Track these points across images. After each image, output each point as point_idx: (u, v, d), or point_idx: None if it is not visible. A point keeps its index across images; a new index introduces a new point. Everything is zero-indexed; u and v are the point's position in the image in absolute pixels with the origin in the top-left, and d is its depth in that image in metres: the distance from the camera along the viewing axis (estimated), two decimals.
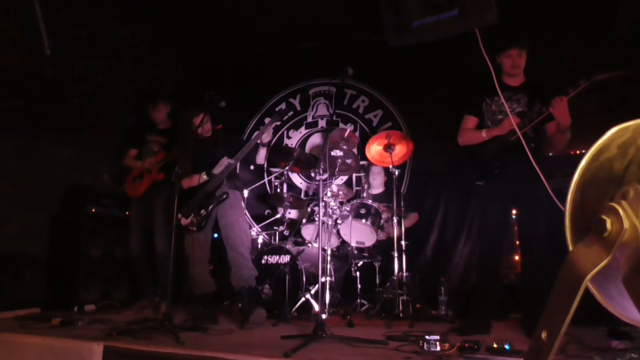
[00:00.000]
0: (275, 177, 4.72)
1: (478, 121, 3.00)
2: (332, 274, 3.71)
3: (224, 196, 3.18)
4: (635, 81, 2.54)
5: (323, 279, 2.95)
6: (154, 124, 4.13)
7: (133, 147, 4.10)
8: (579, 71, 2.54)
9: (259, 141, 3.34)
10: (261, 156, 3.46)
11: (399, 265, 3.70)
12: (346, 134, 4.47)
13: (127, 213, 4.28)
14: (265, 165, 5.20)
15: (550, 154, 3.68)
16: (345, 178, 4.95)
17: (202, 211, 3.20)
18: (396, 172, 3.94)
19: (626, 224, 0.78)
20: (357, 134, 4.97)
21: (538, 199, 2.70)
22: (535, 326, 0.90)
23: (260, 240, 4.45)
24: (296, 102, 5.49)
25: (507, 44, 2.83)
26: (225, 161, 3.24)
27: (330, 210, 3.94)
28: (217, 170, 3.24)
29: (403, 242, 3.76)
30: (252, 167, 5.32)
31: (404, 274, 3.67)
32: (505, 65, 2.87)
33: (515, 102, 2.85)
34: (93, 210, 4.11)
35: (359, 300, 3.96)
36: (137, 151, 4.09)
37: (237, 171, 3.52)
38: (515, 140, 2.66)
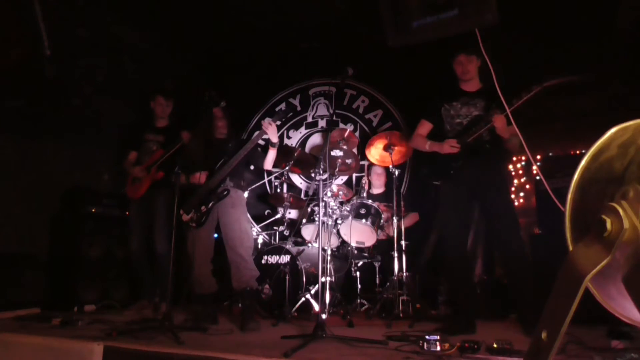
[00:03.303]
0: (275, 177, 4.72)
1: (432, 127, 3.16)
2: (332, 274, 3.71)
3: (225, 192, 3.17)
4: (635, 82, 2.56)
5: (323, 279, 2.95)
6: (152, 122, 4.12)
7: (132, 149, 4.08)
8: (577, 70, 2.56)
9: (263, 143, 3.30)
10: (269, 160, 3.33)
11: (399, 265, 3.70)
12: (346, 134, 4.47)
13: (127, 213, 4.27)
14: None
15: (550, 154, 3.70)
16: (345, 178, 4.95)
17: (202, 207, 3.19)
18: (396, 172, 3.95)
19: (626, 223, 0.78)
20: (357, 134, 4.97)
21: (500, 197, 2.84)
22: (529, 324, 0.90)
23: (260, 240, 4.45)
24: (296, 102, 5.49)
25: (455, 51, 2.98)
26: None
27: (330, 210, 3.94)
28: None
29: (403, 242, 3.76)
30: (252, 167, 5.32)
31: (404, 274, 3.66)
32: (457, 71, 3.02)
33: (472, 107, 2.98)
34: (93, 210, 4.11)
35: (359, 300, 3.96)
36: (137, 153, 4.06)
37: (242, 170, 3.46)
38: (472, 141, 2.84)
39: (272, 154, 3.32)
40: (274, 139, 3.22)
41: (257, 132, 3.25)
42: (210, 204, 3.18)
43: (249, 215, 4.02)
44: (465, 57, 2.95)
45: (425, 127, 3.18)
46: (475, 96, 2.98)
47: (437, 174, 3.05)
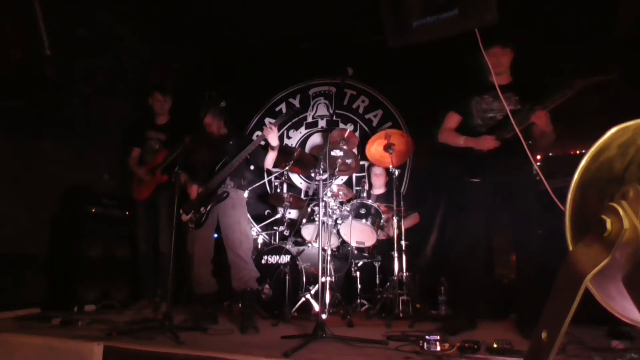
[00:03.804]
0: (275, 177, 4.72)
1: (461, 120, 3.03)
2: (332, 274, 3.71)
3: (224, 195, 3.17)
4: (635, 82, 2.55)
5: (323, 279, 2.95)
6: (152, 120, 4.13)
7: (136, 146, 4.12)
8: (577, 72, 2.55)
9: (263, 143, 3.30)
10: (269, 160, 3.34)
11: (399, 265, 3.70)
12: (346, 134, 4.47)
13: (127, 213, 4.29)
14: None
15: (550, 154, 3.69)
16: (345, 178, 4.95)
17: (202, 208, 3.19)
18: (396, 172, 3.94)
19: (626, 223, 0.78)
20: (357, 134, 4.97)
21: (530, 196, 2.74)
22: (530, 327, 0.90)
23: (260, 240, 4.45)
24: (296, 102, 5.49)
25: (490, 42, 2.86)
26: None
27: (330, 210, 3.94)
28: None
29: (403, 242, 3.76)
30: (252, 167, 5.33)
31: (404, 274, 3.66)
32: (489, 63, 2.88)
33: (506, 100, 2.84)
34: (93, 210, 4.11)
35: (359, 300, 3.96)
36: (140, 150, 4.10)
37: (243, 170, 3.46)
38: (511, 137, 2.68)
39: (271, 156, 3.33)
40: (274, 142, 3.22)
41: (258, 134, 3.24)
42: (209, 206, 3.18)
43: (249, 216, 4.02)
44: (500, 50, 2.84)
45: (454, 120, 3.05)
46: (507, 89, 2.86)
47: (473, 171, 2.89)
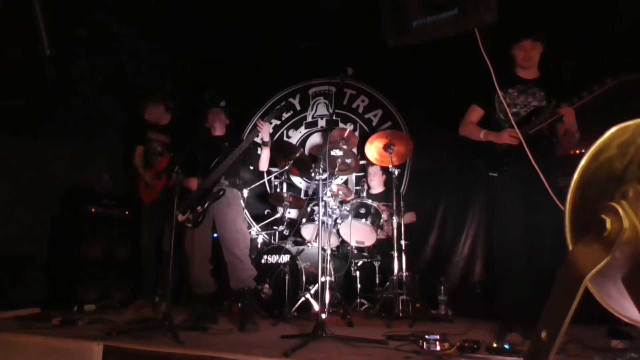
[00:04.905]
0: (275, 177, 4.72)
1: (483, 113, 2.96)
2: (332, 273, 3.71)
3: (221, 192, 3.16)
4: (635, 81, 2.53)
5: (323, 279, 2.95)
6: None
7: (138, 144, 4.14)
8: (578, 72, 2.55)
9: (258, 139, 3.30)
10: (263, 160, 3.32)
11: (398, 265, 3.70)
12: (346, 134, 4.47)
13: (127, 213, 4.30)
14: None
15: None
16: (345, 178, 4.95)
17: (199, 207, 3.18)
18: (396, 172, 3.94)
19: (626, 223, 0.78)
20: (356, 133, 4.97)
21: (547, 203, 2.66)
22: (531, 326, 0.90)
23: (260, 240, 4.44)
24: (296, 102, 5.49)
25: (520, 35, 2.79)
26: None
27: (330, 210, 3.94)
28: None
29: (403, 242, 3.76)
30: (251, 167, 5.32)
31: (404, 273, 3.66)
32: (517, 57, 2.83)
33: (530, 96, 2.80)
34: (93, 210, 4.11)
35: (358, 300, 3.96)
36: (144, 147, 4.16)
37: (238, 170, 3.46)
38: (533, 133, 2.64)
39: (265, 154, 3.32)
40: (266, 137, 3.22)
41: (252, 132, 3.25)
42: (206, 204, 3.17)
43: (247, 215, 4.02)
44: (530, 43, 2.75)
45: (476, 113, 2.96)
46: (534, 85, 2.79)
47: (494, 166, 2.78)
